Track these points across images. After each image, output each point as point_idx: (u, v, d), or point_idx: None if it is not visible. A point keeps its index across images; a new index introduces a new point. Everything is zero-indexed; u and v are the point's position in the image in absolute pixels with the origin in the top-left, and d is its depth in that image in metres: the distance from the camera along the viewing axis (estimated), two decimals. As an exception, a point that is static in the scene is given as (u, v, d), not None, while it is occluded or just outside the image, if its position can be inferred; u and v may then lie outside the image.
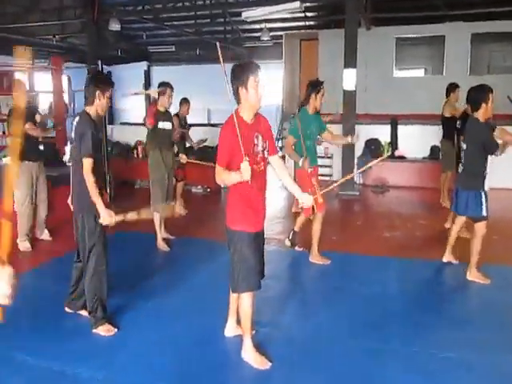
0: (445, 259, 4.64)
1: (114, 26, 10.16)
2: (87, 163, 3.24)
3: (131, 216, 3.38)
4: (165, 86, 5.21)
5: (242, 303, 2.94)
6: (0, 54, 13.37)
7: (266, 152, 2.89)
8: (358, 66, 9.41)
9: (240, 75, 2.75)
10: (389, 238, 5.57)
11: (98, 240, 3.40)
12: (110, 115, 21.75)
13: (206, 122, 19.13)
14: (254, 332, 3.22)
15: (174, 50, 16.95)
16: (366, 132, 9.17)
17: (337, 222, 6.48)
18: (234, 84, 2.78)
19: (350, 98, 7.57)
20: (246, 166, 2.62)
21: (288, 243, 5.08)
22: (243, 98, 2.77)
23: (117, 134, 10.75)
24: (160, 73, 20.91)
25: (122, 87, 21.50)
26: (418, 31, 11.11)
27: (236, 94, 2.79)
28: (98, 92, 3.36)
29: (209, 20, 14.67)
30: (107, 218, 3.28)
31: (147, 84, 21.08)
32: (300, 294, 4.16)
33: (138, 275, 4.42)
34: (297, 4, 8.07)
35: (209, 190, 8.54)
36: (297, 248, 5.10)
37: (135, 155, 9.39)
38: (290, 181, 3.03)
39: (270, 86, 18.50)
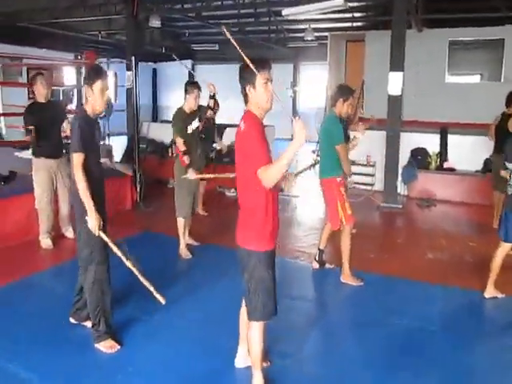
0: (487, 295, 4.00)
1: (155, 22, 9.99)
2: (75, 158, 3.01)
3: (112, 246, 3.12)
4: (192, 85, 4.88)
5: (253, 332, 2.56)
6: (44, 47, 13.68)
7: None
8: (408, 70, 8.81)
9: (247, 72, 2.41)
10: (432, 261, 5.00)
11: (96, 247, 3.11)
12: (154, 112, 21.97)
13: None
14: (267, 365, 2.82)
15: (217, 48, 16.71)
16: (412, 140, 8.57)
17: (376, 237, 5.97)
18: (241, 82, 2.48)
19: (394, 103, 7.01)
20: (299, 124, 2.21)
21: (316, 265, 4.64)
22: (252, 97, 2.45)
23: (153, 131, 10.57)
24: (204, 71, 20.89)
25: (166, 84, 21.73)
26: (474, 34, 10.31)
27: (244, 93, 2.48)
28: (86, 87, 3.11)
29: (253, 19, 14.34)
30: (93, 223, 3.01)
31: (191, 82, 21.05)
32: (326, 321, 3.72)
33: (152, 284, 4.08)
34: (340, 1, 7.57)
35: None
36: (327, 266, 4.65)
37: (170, 154, 9.16)
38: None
39: (313, 87, 18.09)
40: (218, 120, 7.91)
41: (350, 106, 4.20)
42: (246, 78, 2.43)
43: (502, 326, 3.64)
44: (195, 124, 4.91)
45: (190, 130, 4.84)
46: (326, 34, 13.32)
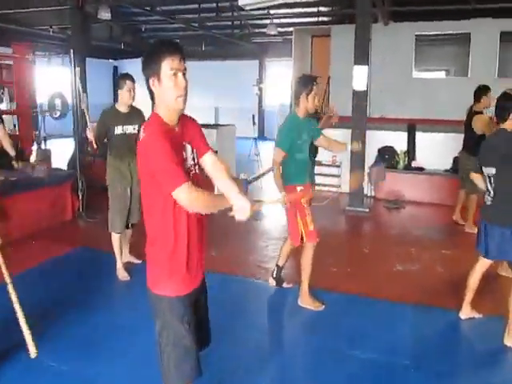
0: (463, 315, 3.51)
1: (104, 14, 9.21)
2: None
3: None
4: (123, 78, 4.21)
5: None
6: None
7: (197, 167, 1.99)
8: (375, 66, 8.36)
9: (150, 61, 1.82)
10: (402, 274, 4.50)
11: None
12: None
13: (213, 121, 18.28)
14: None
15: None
16: (379, 139, 8.12)
17: (339, 247, 5.45)
18: (144, 73, 1.86)
19: (360, 98, 6.51)
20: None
21: (272, 282, 4.08)
22: (157, 94, 1.85)
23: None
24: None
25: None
26: (440, 28, 9.96)
27: (148, 88, 1.87)
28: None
29: (214, 14, 13.71)
30: None
31: (153, 80, 20.22)
32: (280, 353, 3.16)
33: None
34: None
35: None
36: (285, 285, 4.09)
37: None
38: (227, 180, 2.00)
39: (279, 84, 17.60)
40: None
41: (316, 96, 3.61)
42: (149, 66, 1.82)
43: (482, 356, 3.14)
44: (130, 129, 4.21)
45: (119, 131, 4.16)
46: (291, 29, 12.84)
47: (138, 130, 4.38)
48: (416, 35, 10.00)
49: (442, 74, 11.76)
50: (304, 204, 3.63)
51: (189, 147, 1.93)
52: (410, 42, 10.01)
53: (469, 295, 3.43)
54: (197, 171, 1.96)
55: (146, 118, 1.95)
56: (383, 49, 9.81)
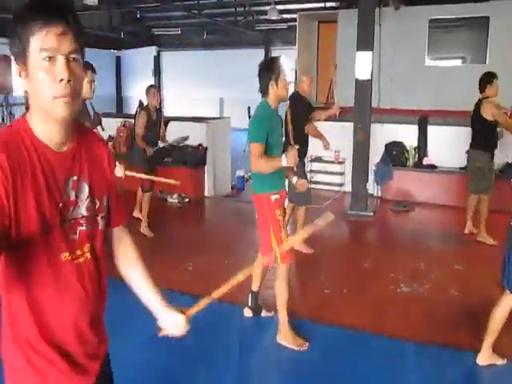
0: (481, 361, 2.79)
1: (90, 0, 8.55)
2: None
3: None
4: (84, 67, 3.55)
5: None
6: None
7: (99, 219, 1.26)
8: (385, 53, 7.61)
9: (13, 34, 1.09)
10: (408, 297, 3.79)
11: None
12: (118, 103, 20.44)
13: (218, 113, 17.59)
14: None
15: (179, 33, 15.28)
16: (386, 133, 7.38)
17: (335, 260, 4.78)
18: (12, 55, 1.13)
19: (363, 89, 5.78)
20: None
21: (248, 313, 3.42)
22: (29, 90, 1.12)
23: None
24: (170, 58, 19.47)
25: (131, 73, 20.22)
26: (456, 12, 9.16)
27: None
28: None
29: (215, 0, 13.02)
30: None
31: (157, 70, 19.62)
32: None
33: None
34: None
35: (187, 200, 6.93)
36: (264, 314, 3.43)
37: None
38: (147, 280, 1.39)
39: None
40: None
41: (284, 82, 2.95)
42: (13, 43, 1.10)
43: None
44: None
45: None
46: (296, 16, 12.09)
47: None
48: (429, 20, 9.21)
49: (457, 62, 10.88)
50: (279, 216, 2.97)
51: (85, 185, 1.22)
52: (422, 28, 9.23)
53: (490, 339, 2.72)
54: (98, 226, 1.26)
55: None
56: (394, 35, 9.04)
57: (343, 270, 4.50)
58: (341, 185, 7.53)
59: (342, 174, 7.52)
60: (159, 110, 5.53)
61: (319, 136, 5.16)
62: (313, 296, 3.70)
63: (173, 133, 6.77)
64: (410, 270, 4.30)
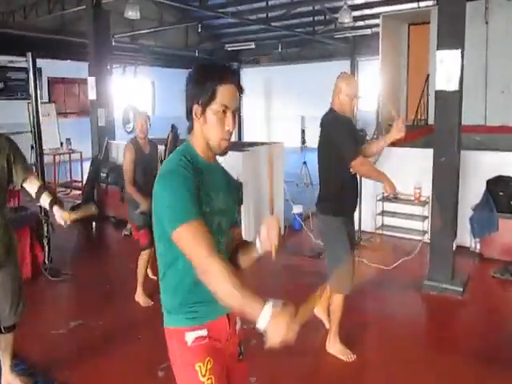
0: None
1: (131, 13, 7.62)
2: None
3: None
4: None
5: None
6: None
7: None
8: (492, 56, 5.66)
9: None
10: None
11: None
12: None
13: (298, 132, 16.07)
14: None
15: (253, 47, 14.13)
16: (488, 163, 5.30)
17: (390, 378, 2.95)
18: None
19: (447, 104, 3.83)
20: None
21: None
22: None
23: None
24: (250, 75, 18.44)
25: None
26: None
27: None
28: None
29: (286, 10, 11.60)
30: None
31: (237, 89, 18.69)
32: None
33: None
34: None
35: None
36: None
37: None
38: None
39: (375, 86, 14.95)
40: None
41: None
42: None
43: None
44: None
45: None
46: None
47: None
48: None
49: None
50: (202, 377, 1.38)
51: None
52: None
53: None
54: None
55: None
56: (505, 33, 6.93)
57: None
58: (424, 233, 5.56)
59: (425, 218, 5.55)
60: (152, 142, 4.18)
61: (377, 176, 3.23)
62: None
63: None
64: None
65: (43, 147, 9.60)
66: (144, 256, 4.00)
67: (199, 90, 1.41)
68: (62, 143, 10.08)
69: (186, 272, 1.43)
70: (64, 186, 9.07)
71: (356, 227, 5.56)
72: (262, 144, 6.60)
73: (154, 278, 4.50)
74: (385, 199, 5.83)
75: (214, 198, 1.46)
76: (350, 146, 2.83)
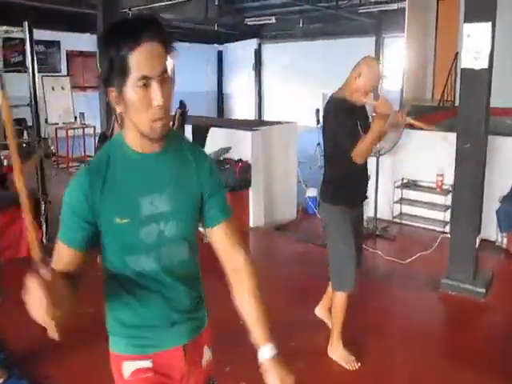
0: None
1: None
2: None
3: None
4: None
5: None
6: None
7: None
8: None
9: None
10: None
11: None
12: (219, 102, 19.43)
13: (320, 109, 15.56)
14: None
15: (274, 22, 13.59)
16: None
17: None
18: None
19: (474, 83, 3.41)
20: None
21: None
22: None
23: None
24: (271, 51, 17.97)
25: (232, 68, 19.11)
26: None
27: None
28: None
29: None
30: None
31: (258, 64, 18.22)
32: None
33: None
34: None
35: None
36: None
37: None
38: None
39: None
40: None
41: None
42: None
43: None
44: None
45: None
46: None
47: None
48: None
49: None
50: None
51: None
52: None
53: None
54: None
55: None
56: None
57: None
58: (445, 224, 5.17)
59: (447, 208, 5.16)
60: None
61: (374, 140, 2.69)
62: None
63: (214, 143, 5.19)
64: None
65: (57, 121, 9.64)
66: None
67: (106, 68, 1.04)
68: (75, 117, 9.94)
69: (121, 285, 1.15)
70: (77, 161, 8.92)
71: (371, 214, 5.27)
72: (274, 123, 6.24)
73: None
74: (404, 186, 5.45)
75: (141, 201, 1.13)
76: (347, 142, 2.50)
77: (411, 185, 5.43)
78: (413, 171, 5.42)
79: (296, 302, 3.56)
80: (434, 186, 5.25)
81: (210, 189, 1.23)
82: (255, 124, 6.65)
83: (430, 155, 5.24)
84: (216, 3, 11.62)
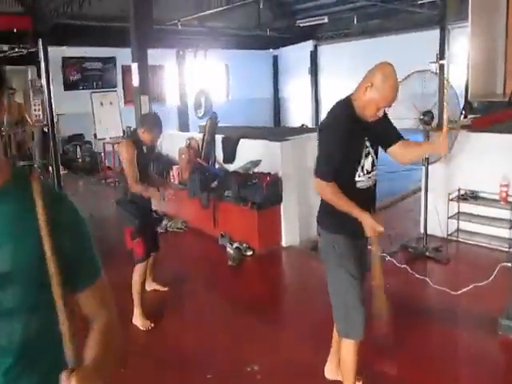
0: None
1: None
2: None
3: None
4: None
5: None
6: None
7: None
8: None
9: None
10: None
11: None
12: (276, 107, 18.99)
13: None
14: None
15: (326, 21, 12.93)
16: None
17: None
18: None
19: None
20: None
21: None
22: None
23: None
24: (328, 52, 17.30)
25: (288, 72, 18.61)
26: None
27: None
28: None
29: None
30: None
31: (314, 66, 17.59)
32: None
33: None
34: None
35: (249, 253, 4.77)
36: None
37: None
38: None
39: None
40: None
41: None
42: None
43: None
44: None
45: None
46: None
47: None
48: None
49: None
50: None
51: None
52: None
53: None
54: None
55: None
56: None
57: None
58: (510, 242, 4.34)
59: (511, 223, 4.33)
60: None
61: (346, 210, 2.20)
62: None
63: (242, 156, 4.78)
64: None
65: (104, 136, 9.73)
66: (139, 270, 3.39)
67: None
68: (123, 131, 9.98)
69: None
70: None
71: (421, 231, 4.55)
72: (306, 131, 5.68)
73: (155, 288, 3.93)
74: (461, 198, 4.66)
75: None
76: (326, 166, 1.98)
77: (469, 197, 4.63)
78: (471, 181, 4.63)
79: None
80: (498, 197, 4.42)
81: (71, 249, 1.00)
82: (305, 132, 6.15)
83: (492, 162, 4.43)
84: (261, 6, 11.21)
